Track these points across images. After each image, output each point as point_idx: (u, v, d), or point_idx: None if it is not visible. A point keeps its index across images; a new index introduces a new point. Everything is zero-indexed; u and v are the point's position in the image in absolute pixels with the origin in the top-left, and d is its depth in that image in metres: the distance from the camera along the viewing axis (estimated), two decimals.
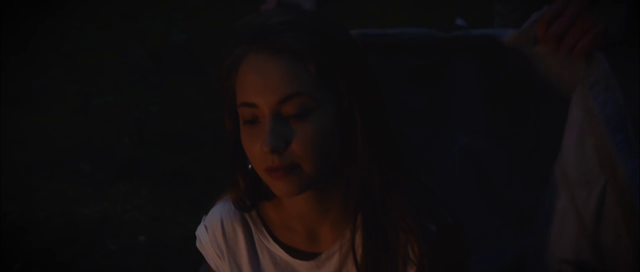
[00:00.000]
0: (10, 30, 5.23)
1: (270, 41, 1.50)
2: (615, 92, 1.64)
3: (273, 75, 1.49)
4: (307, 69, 1.50)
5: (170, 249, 3.33)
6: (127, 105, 4.21)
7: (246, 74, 1.52)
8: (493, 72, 1.79)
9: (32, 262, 3.26)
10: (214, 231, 1.73)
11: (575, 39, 1.66)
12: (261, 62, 1.50)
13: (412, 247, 1.58)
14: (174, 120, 4.38)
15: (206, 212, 1.77)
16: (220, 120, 1.65)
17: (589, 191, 1.63)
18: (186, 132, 4.21)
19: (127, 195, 3.70)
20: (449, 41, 1.78)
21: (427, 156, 1.84)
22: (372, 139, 1.56)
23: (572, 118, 1.67)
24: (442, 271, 1.58)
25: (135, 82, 4.41)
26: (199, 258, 1.83)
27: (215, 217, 1.73)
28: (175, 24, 4.67)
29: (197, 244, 1.77)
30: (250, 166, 1.59)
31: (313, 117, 1.51)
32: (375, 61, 1.69)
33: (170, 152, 4.05)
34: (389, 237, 1.57)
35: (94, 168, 3.96)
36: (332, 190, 1.60)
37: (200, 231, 1.76)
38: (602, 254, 1.64)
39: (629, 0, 1.70)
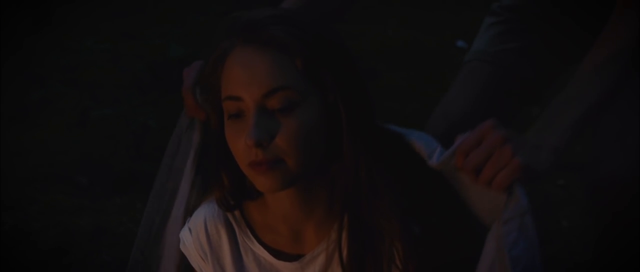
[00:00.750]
0: (10, 44, 5.24)
1: (257, 35, 1.52)
2: (528, 232, 1.56)
3: (259, 69, 1.50)
4: (294, 63, 1.51)
5: None
6: (125, 119, 4.21)
7: (232, 68, 1.53)
8: None
9: None
10: (197, 233, 1.73)
11: (492, 172, 1.57)
12: (248, 56, 1.51)
13: (397, 249, 1.57)
14: (170, 135, 4.37)
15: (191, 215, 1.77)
16: None
17: None
18: None
19: (123, 208, 3.70)
20: None
21: None
22: (357, 135, 1.56)
23: (486, 250, 1.60)
24: None
25: (133, 96, 4.42)
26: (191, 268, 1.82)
27: (199, 218, 1.73)
28: (173, 38, 4.68)
29: (181, 246, 1.77)
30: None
31: (298, 112, 1.51)
32: None
33: None
34: (375, 238, 1.57)
35: (91, 181, 3.96)
36: (317, 189, 1.60)
37: (183, 234, 1.76)
38: None
39: (559, 131, 1.63)
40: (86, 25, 5.48)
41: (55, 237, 3.47)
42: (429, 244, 1.55)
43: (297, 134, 1.51)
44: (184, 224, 1.77)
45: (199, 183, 1.81)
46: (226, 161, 1.60)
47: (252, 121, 1.50)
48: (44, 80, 4.83)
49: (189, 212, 1.78)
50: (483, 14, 2.39)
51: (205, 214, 1.72)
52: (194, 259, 1.74)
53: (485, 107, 2.09)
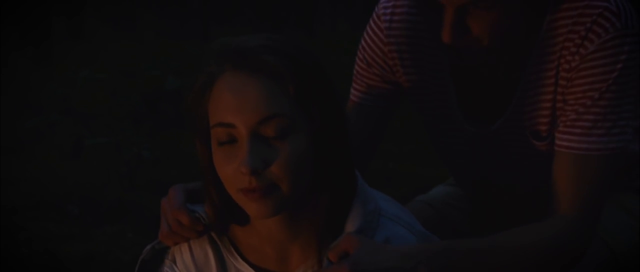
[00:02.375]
0: (8, 76, 5.26)
1: (249, 61, 1.50)
2: None
3: (252, 95, 1.49)
4: (286, 91, 1.50)
5: None
6: (119, 149, 4.20)
7: (222, 93, 1.51)
8: None
9: None
10: (181, 255, 1.71)
11: None
12: (239, 82, 1.50)
13: None
14: (166, 169, 4.37)
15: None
16: None
17: None
18: (178, 182, 4.20)
19: (113, 236, 3.68)
20: None
21: None
22: (340, 163, 1.56)
23: None
24: None
25: (127, 127, 4.42)
26: None
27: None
28: (170, 71, 4.69)
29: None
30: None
31: (291, 139, 1.51)
32: None
33: (159, 193, 4.04)
34: None
35: (82, 210, 3.95)
36: (302, 214, 1.60)
37: (166, 265, 1.73)
38: None
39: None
40: (83, 55, 5.51)
41: (44, 265, 3.45)
42: None
43: (291, 161, 1.50)
44: None
45: None
46: (215, 186, 1.59)
47: (246, 149, 1.48)
48: (39, 108, 4.84)
49: None
50: None
51: None
52: None
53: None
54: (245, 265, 1.67)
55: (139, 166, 4.11)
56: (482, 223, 2.03)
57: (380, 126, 1.97)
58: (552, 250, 1.69)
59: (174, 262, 1.72)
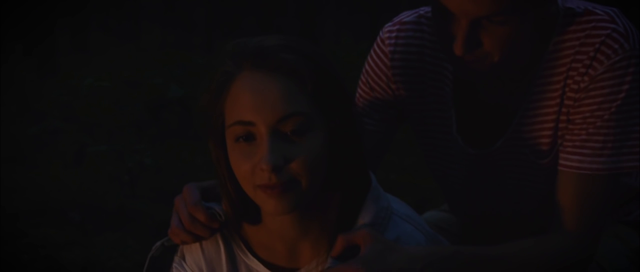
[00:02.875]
0: (14, 84, 5.27)
1: (268, 60, 1.52)
2: None
3: (272, 94, 1.51)
4: (305, 89, 1.52)
5: None
6: (121, 157, 4.21)
7: (241, 92, 1.52)
8: None
9: None
10: (191, 253, 1.72)
11: None
12: (258, 81, 1.52)
13: None
14: (168, 178, 4.38)
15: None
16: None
17: None
18: (180, 191, 4.20)
19: (114, 243, 3.69)
20: None
21: None
22: (353, 160, 1.58)
23: None
24: None
25: (130, 135, 4.43)
26: None
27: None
28: (173, 79, 4.70)
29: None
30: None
31: (309, 136, 1.53)
32: None
33: (161, 202, 4.04)
34: None
35: (84, 217, 3.95)
36: (313, 212, 1.61)
37: (176, 261, 1.74)
38: None
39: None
40: (88, 63, 5.52)
41: (45, 270, 3.45)
42: None
43: (310, 157, 1.52)
44: None
45: None
46: (231, 182, 1.60)
47: (267, 146, 1.50)
48: (43, 115, 4.85)
49: None
50: None
51: None
52: None
53: None
54: (256, 261, 1.68)
55: (140, 174, 4.12)
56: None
57: (381, 148, 1.97)
58: (556, 264, 1.71)
59: (183, 259, 1.73)
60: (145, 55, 5.77)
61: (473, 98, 1.85)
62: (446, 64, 1.83)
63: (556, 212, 1.74)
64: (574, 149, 1.73)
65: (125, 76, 5.45)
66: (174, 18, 12.74)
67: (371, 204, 1.61)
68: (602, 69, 1.71)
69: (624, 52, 1.70)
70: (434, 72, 1.86)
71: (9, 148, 4.63)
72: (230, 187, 1.61)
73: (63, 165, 4.39)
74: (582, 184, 1.73)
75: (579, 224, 1.72)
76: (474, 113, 1.86)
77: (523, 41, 1.70)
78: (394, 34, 1.90)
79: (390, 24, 1.92)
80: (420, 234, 1.63)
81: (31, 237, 3.75)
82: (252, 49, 1.54)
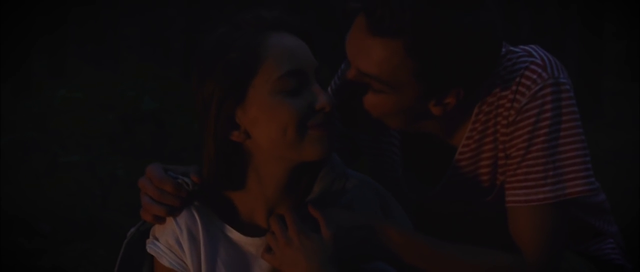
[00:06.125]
0: None
1: (291, 23, 1.70)
2: None
3: (304, 48, 1.70)
4: (313, 50, 1.72)
5: None
6: (93, 168, 4.20)
7: (280, 50, 1.66)
8: None
9: None
10: (163, 230, 1.72)
11: None
12: (290, 39, 1.69)
13: None
14: (139, 190, 4.37)
15: None
16: None
17: None
18: None
19: (83, 253, 3.68)
20: None
21: None
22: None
23: None
24: None
25: (102, 146, 4.42)
26: None
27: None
28: (147, 92, 4.70)
29: (152, 252, 1.73)
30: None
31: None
32: None
33: (133, 216, 4.03)
34: None
35: (54, 227, 3.94)
36: (304, 168, 1.71)
37: (149, 242, 1.73)
38: None
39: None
40: (61, 74, 5.51)
41: None
42: None
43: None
44: None
45: None
46: (215, 140, 1.66)
47: (319, 89, 1.67)
48: (14, 125, 4.83)
49: None
50: None
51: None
52: (169, 257, 1.72)
53: None
54: (230, 228, 1.71)
55: (112, 185, 4.11)
56: None
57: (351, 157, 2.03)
58: None
59: (157, 239, 1.73)
60: (117, 65, 5.77)
61: (418, 143, 1.90)
62: None
63: (515, 247, 1.79)
64: (519, 183, 1.78)
65: (98, 87, 5.45)
66: (152, 46, 12.73)
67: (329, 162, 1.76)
68: (525, 100, 1.76)
69: (542, 81, 1.76)
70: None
71: None
72: (214, 148, 1.66)
73: (35, 174, 4.37)
74: (532, 216, 1.78)
75: (541, 253, 1.78)
76: (419, 157, 1.92)
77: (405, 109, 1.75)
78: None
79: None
80: (374, 182, 1.80)
81: (1, 246, 3.74)
82: (273, 17, 1.71)
